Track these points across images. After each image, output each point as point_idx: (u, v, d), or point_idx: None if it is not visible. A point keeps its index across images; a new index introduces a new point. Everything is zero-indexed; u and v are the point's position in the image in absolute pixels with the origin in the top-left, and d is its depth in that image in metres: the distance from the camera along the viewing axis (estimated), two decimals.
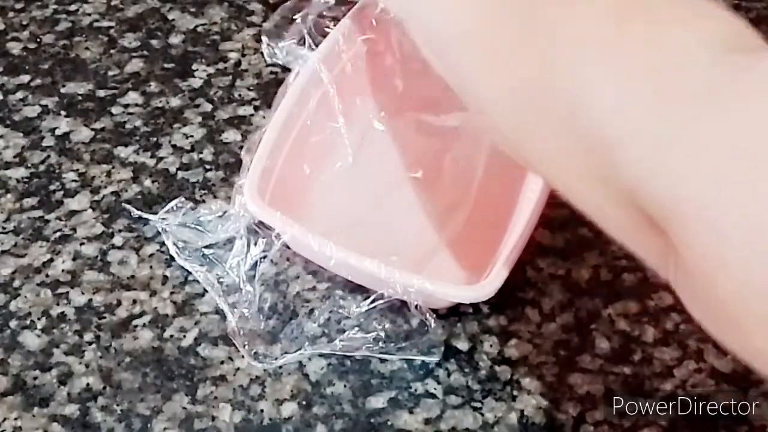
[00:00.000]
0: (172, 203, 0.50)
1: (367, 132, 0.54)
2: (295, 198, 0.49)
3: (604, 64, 0.28)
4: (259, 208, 0.46)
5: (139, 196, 0.54)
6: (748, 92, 0.26)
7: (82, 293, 0.49)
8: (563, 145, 0.29)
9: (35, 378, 0.46)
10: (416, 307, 0.45)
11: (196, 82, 0.60)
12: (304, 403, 0.45)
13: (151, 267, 0.50)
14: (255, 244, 0.48)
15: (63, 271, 0.50)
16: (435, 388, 0.46)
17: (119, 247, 0.51)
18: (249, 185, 0.46)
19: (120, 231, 0.52)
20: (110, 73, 0.60)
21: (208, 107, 0.58)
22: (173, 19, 0.64)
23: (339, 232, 0.47)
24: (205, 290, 0.48)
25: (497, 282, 0.43)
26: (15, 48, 0.62)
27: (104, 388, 0.46)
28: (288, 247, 0.48)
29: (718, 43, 0.28)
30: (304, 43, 0.52)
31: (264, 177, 0.47)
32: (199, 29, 0.63)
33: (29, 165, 0.55)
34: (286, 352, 0.47)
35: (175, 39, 0.63)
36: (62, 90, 0.59)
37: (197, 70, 0.61)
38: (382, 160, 0.53)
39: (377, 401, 0.45)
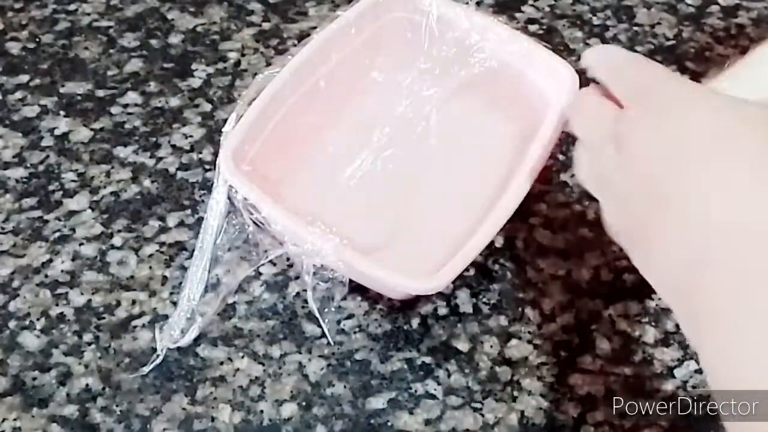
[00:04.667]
0: None
1: (364, 117, 0.54)
2: (274, 169, 0.49)
3: None
4: (229, 171, 0.46)
5: (139, 197, 0.54)
6: None
7: (82, 294, 0.49)
8: None
9: (34, 378, 0.46)
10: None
11: (195, 82, 0.60)
12: (303, 403, 0.45)
13: (150, 267, 0.50)
14: (257, 244, 0.48)
15: (62, 271, 0.50)
16: (435, 389, 0.46)
17: (118, 248, 0.51)
18: (226, 147, 0.46)
19: (119, 231, 0.52)
20: (109, 73, 0.60)
21: (208, 107, 0.58)
22: (173, 19, 0.64)
23: (310, 211, 0.47)
24: (205, 290, 0.48)
25: (447, 277, 0.43)
26: (14, 48, 0.62)
27: (104, 388, 0.46)
28: (259, 225, 0.47)
29: None
30: None
31: (246, 143, 0.47)
32: (199, 29, 0.63)
33: (28, 165, 0.55)
34: (285, 353, 0.47)
35: (174, 39, 0.63)
36: (61, 90, 0.59)
37: (197, 70, 0.61)
38: (373, 148, 0.53)
39: (377, 402, 0.45)
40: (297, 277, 0.50)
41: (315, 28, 0.53)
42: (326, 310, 0.46)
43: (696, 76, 0.60)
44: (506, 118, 0.54)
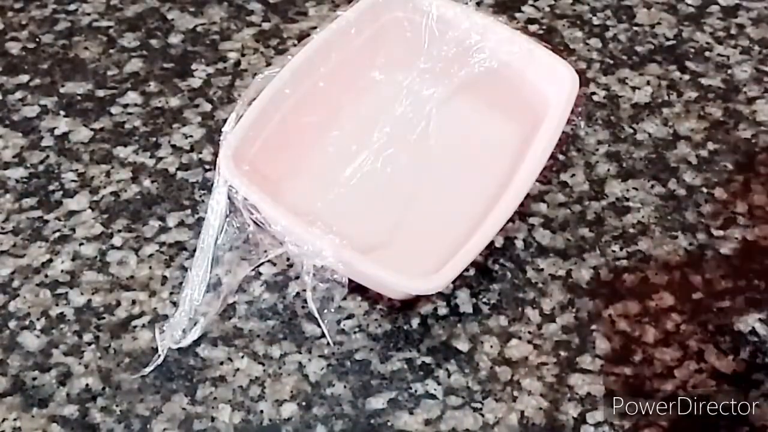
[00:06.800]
0: None
1: (363, 116, 0.54)
2: (274, 169, 0.49)
3: None
4: (229, 171, 0.46)
5: (139, 197, 0.54)
6: None
7: (82, 294, 0.49)
8: None
9: (34, 378, 0.46)
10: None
11: (195, 82, 0.60)
12: (303, 403, 0.45)
13: (150, 267, 0.50)
14: (257, 244, 0.48)
15: (62, 271, 0.50)
16: (435, 389, 0.46)
17: (118, 248, 0.51)
18: (226, 147, 0.46)
19: (119, 231, 0.52)
20: (109, 73, 0.60)
21: (208, 107, 0.58)
22: (173, 19, 0.64)
23: (310, 211, 0.47)
24: (206, 290, 0.48)
25: (447, 277, 0.43)
26: (14, 48, 0.62)
27: (103, 388, 0.46)
28: (259, 225, 0.47)
29: None
30: None
31: (246, 143, 0.47)
32: (199, 29, 0.63)
33: (28, 165, 0.55)
34: (285, 353, 0.47)
35: (174, 39, 0.63)
36: (61, 90, 0.59)
37: (197, 70, 0.61)
38: (374, 147, 0.53)
39: (377, 402, 0.45)
40: (297, 277, 0.50)
41: (315, 28, 0.53)
42: (326, 310, 0.46)
43: (696, 76, 0.60)
44: (506, 118, 0.54)
